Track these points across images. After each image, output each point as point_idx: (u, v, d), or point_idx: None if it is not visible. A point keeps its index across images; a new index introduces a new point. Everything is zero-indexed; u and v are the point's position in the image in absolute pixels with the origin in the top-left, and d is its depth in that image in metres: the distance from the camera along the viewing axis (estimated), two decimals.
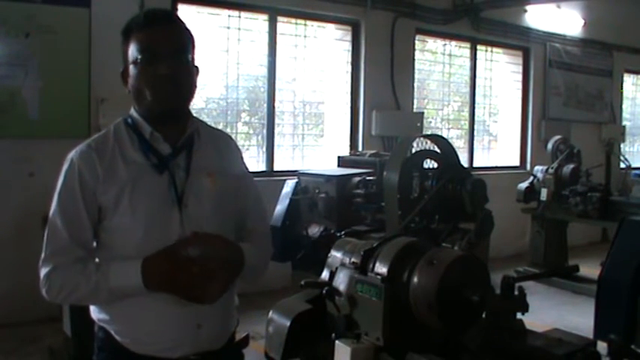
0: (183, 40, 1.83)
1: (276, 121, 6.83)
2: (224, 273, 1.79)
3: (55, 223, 1.81)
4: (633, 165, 9.84)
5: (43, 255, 1.80)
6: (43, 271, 1.78)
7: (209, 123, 2.13)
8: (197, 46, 1.90)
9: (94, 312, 1.89)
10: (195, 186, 1.84)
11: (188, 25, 1.89)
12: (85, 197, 1.78)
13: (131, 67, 1.80)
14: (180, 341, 1.82)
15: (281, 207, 5.14)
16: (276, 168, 6.72)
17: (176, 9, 5.92)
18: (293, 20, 6.85)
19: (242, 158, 2.09)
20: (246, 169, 2.09)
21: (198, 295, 1.74)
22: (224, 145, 2.02)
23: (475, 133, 8.70)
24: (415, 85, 7.83)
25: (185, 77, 1.82)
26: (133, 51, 1.79)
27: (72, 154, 1.83)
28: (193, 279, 1.72)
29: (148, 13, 1.86)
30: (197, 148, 1.89)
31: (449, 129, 8.52)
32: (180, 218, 1.81)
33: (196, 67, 1.88)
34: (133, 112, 1.89)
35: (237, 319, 2.06)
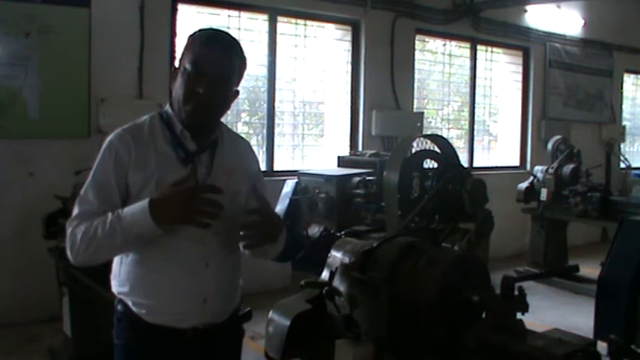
0: (232, 68, 2.00)
1: (276, 121, 6.82)
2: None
3: (86, 193, 1.97)
4: (633, 165, 9.84)
5: (72, 216, 1.96)
6: (69, 230, 1.94)
7: (236, 132, 2.31)
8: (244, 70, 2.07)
9: (115, 286, 2.06)
10: (214, 181, 2.00)
11: (245, 54, 2.04)
12: (118, 174, 1.95)
13: (180, 72, 1.97)
14: (188, 314, 2.00)
15: (281, 207, 5.15)
16: (276, 168, 6.71)
17: (176, 9, 5.93)
18: (293, 20, 6.84)
19: (257, 163, 2.31)
20: (260, 172, 2.29)
21: (207, 221, 1.85)
22: (243, 149, 2.22)
23: (475, 133, 8.69)
24: (415, 85, 7.82)
25: (219, 100, 1.99)
26: (186, 60, 1.96)
27: (111, 137, 2.00)
28: (203, 205, 1.82)
29: (216, 33, 2.05)
30: (220, 149, 2.08)
31: (449, 129, 8.51)
32: None
33: (237, 90, 2.07)
34: (168, 108, 2.06)
35: (240, 296, 2.20)
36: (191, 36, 2.01)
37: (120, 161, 1.95)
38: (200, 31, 2.04)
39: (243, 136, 7.47)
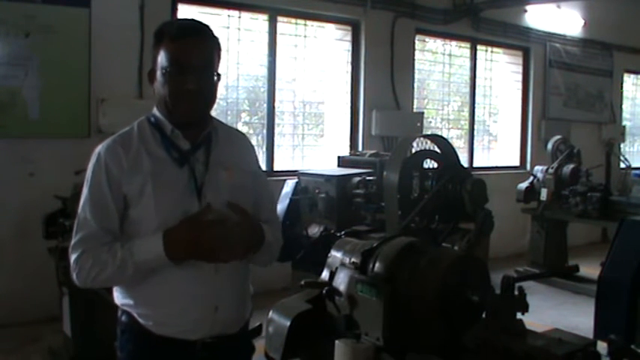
0: (211, 54, 1.92)
1: (276, 121, 6.83)
2: (244, 235, 1.88)
3: (84, 212, 1.90)
4: (633, 165, 9.83)
5: (72, 241, 1.90)
6: (73, 256, 1.89)
7: (230, 125, 2.22)
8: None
9: (118, 298, 1.98)
10: (213, 179, 1.95)
11: (216, 34, 1.96)
12: (112, 188, 1.88)
13: (159, 74, 1.89)
14: (199, 323, 1.91)
15: (281, 207, 5.14)
16: (276, 168, 6.72)
17: (176, 9, 5.93)
18: (293, 20, 6.84)
19: (255, 155, 2.19)
20: (259, 165, 2.20)
21: (220, 256, 1.83)
22: (240, 142, 2.12)
23: (475, 133, 8.70)
24: (415, 85, 7.83)
25: (209, 90, 1.93)
26: (162, 59, 1.87)
27: (99, 149, 1.93)
28: (215, 240, 1.81)
29: (181, 23, 1.96)
30: (215, 145, 1.99)
31: (449, 129, 8.51)
32: (200, 208, 1.89)
33: (219, 74, 1.95)
34: (155, 111, 1.99)
35: (251, 307, 2.10)
36: (158, 32, 1.91)
37: (111, 175, 1.88)
38: (165, 25, 1.93)
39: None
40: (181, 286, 1.88)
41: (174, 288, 1.89)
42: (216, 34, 1.97)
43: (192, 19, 1.99)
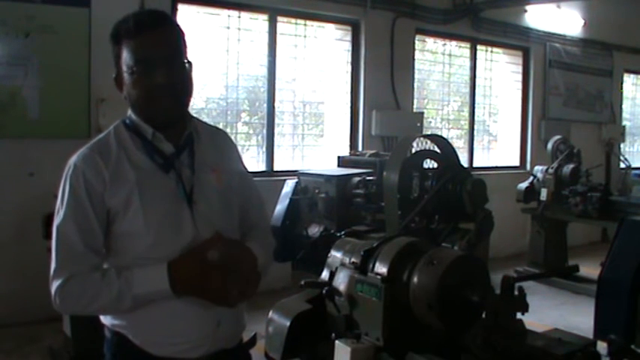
0: (175, 43, 1.79)
1: (276, 121, 6.83)
2: (250, 276, 1.77)
3: (64, 231, 1.73)
4: (633, 165, 9.84)
5: (54, 266, 1.75)
6: (56, 283, 1.73)
7: (209, 123, 2.12)
8: (194, 44, 1.86)
9: (106, 317, 1.84)
10: (202, 182, 1.82)
11: (178, 22, 1.83)
12: (93, 202, 1.72)
13: (126, 75, 1.77)
14: (202, 340, 1.79)
15: (281, 207, 5.15)
16: (276, 168, 6.72)
17: (176, 9, 5.92)
18: (293, 20, 6.84)
19: (239, 153, 2.06)
20: (244, 164, 2.07)
21: (226, 298, 1.72)
22: (222, 141, 2.00)
23: (475, 133, 8.70)
24: (415, 85, 7.83)
25: (182, 82, 1.78)
26: (126, 59, 1.75)
27: (74, 159, 1.78)
28: (223, 282, 1.69)
29: (137, 17, 1.80)
30: (198, 146, 1.87)
31: (449, 129, 8.51)
32: (192, 216, 1.78)
33: (190, 62, 1.81)
34: (131, 114, 1.85)
35: (245, 318, 2.03)
36: (114, 32, 1.80)
37: (92, 188, 1.71)
38: (120, 23, 1.81)
39: (243, 136, 7.46)
40: (183, 303, 1.73)
41: (175, 305, 1.74)
42: (176, 21, 1.83)
43: (148, 10, 1.91)
